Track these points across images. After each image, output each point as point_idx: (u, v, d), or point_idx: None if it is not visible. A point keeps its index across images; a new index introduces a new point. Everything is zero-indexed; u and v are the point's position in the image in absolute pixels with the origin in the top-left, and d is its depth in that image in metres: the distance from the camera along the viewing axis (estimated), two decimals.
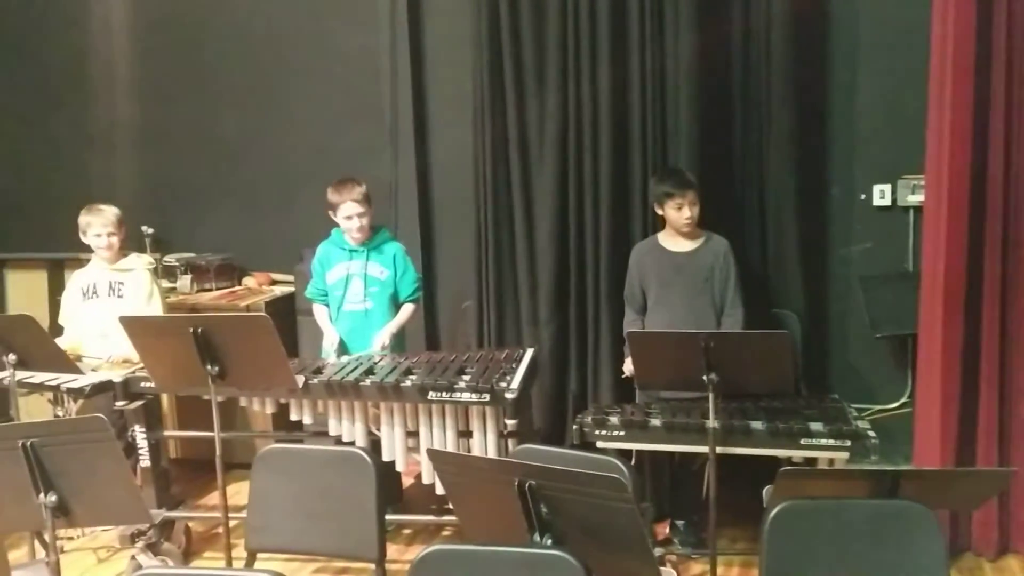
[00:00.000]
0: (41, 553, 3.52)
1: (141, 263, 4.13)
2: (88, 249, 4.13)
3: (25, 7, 5.27)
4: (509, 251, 4.26)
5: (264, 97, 4.98)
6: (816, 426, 3.26)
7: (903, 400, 4.04)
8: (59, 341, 3.90)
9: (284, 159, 4.98)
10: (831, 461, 3.23)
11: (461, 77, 4.37)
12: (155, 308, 4.08)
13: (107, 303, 4.03)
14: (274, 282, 5.00)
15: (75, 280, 4.18)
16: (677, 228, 3.73)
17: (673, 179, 3.70)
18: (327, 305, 4.02)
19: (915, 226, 3.96)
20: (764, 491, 2.74)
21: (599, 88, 4.00)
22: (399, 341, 4.01)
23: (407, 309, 4.02)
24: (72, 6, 5.20)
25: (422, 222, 4.69)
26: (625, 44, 3.98)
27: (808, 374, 3.93)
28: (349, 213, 3.87)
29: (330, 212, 3.93)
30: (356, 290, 3.95)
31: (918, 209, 3.89)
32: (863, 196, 4.07)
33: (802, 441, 3.23)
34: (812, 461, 3.25)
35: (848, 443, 3.19)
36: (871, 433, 3.21)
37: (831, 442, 3.20)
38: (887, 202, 4.03)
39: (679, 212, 3.68)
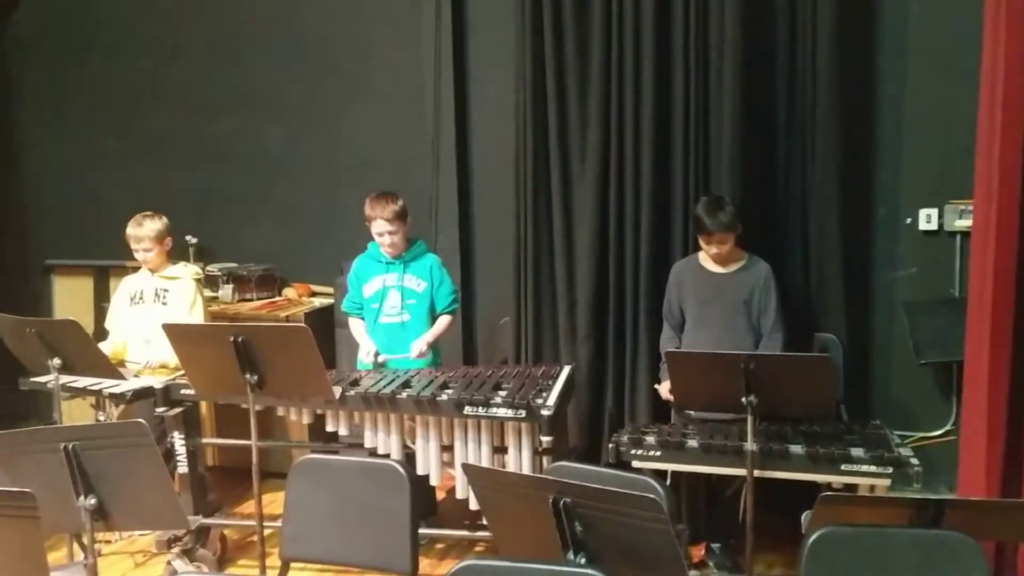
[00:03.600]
0: (80, 555, 3.57)
1: (188, 272, 4.20)
2: (134, 257, 4.20)
3: (83, 20, 5.39)
4: (548, 267, 4.26)
5: (308, 110, 5.04)
6: (857, 452, 3.20)
7: (947, 428, 3.96)
8: (103, 344, 3.98)
9: (327, 172, 5.04)
10: (872, 488, 3.17)
11: (504, 92, 4.40)
12: (197, 317, 4.13)
13: (152, 310, 4.10)
14: (314, 293, 5.04)
15: (125, 285, 4.26)
16: (709, 257, 3.71)
17: (709, 215, 3.59)
18: (363, 319, 4.03)
19: (962, 252, 3.90)
20: (803, 516, 2.70)
21: (642, 105, 4.00)
22: (435, 354, 4.01)
23: (444, 320, 4.02)
24: (126, 21, 5.31)
25: (462, 236, 4.71)
26: (669, 60, 3.98)
27: (850, 399, 3.87)
28: (380, 231, 3.90)
29: (366, 223, 3.96)
30: (393, 302, 3.96)
31: (965, 234, 3.82)
32: (909, 220, 4.02)
33: (842, 467, 3.17)
34: (852, 487, 3.19)
35: (890, 470, 3.13)
36: (914, 460, 3.14)
37: (872, 468, 3.15)
38: (933, 227, 3.97)
39: (707, 246, 3.66)
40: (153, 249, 4.10)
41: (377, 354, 3.88)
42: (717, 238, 3.61)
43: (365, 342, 3.96)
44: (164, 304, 4.11)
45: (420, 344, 3.88)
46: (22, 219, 5.58)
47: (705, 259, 3.76)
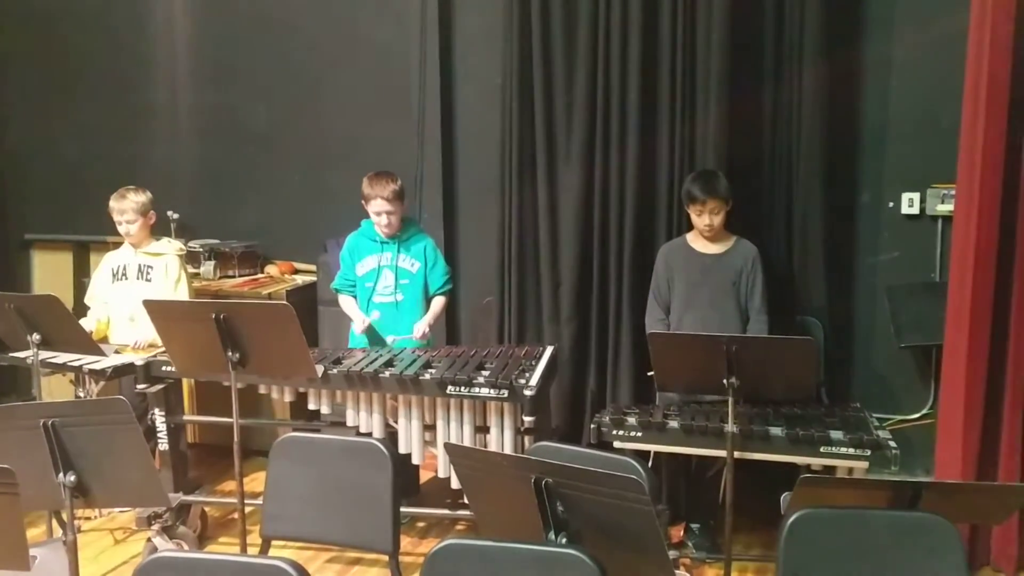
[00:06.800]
0: (59, 532, 3.53)
1: (171, 248, 4.17)
2: (116, 232, 4.17)
3: None
4: (532, 247, 4.26)
5: (294, 87, 5.00)
6: (836, 434, 3.23)
7: (925, 411, 4.00)
8: (85, 321, 3.95)
9: (311, 150, 5.00)
10: (851, 470, 3.20)
11: (490, 72, 4.38)
12: (182, 294, 4.11)
13: (135, 286, 4.07)
14: (296, 271, 5.02)
15: (106, 261, 4.23)
16: (699, 231, 3.71)
17: (700, 183, 3.65)
18: (355, 296, 4.02)
19: (943, 236, 3.92)
20: (781, 498, 2.72)
21: (628, 88, 3.99)
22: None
23: (439, 302, 4.03)
24: None
25: (446, 216, 4.69)
26: (656, 42, 3.97)
27: (830, 382, 3.91)
28: (378, 210, 3.88)
29: (363, 202, 3.94)
30: (387, 282, 3.96)
31: (947, 219, 3.85)
32: (891, 204, 4.04)
33: (822, 449, 3.20)
34: (831, 469, 3.22)
35: (868, 452, 3.16)
36: (892, 443, 3.17)
37: (851, 451, 3.18)
38: (915, 211, 3.99)
39: (699, 217, 3.67)
40: (136, 221, 4.07)
41: (368, 329, 3.87)
42: (710, 206, 3.61)
43: (357, 315, 3.94)
44: (148, 280, 4.09)
45: (422, 326, 3.89)
46: (1, 193, 5.51)
47: (694, 240, 3.76)
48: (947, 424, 3.50)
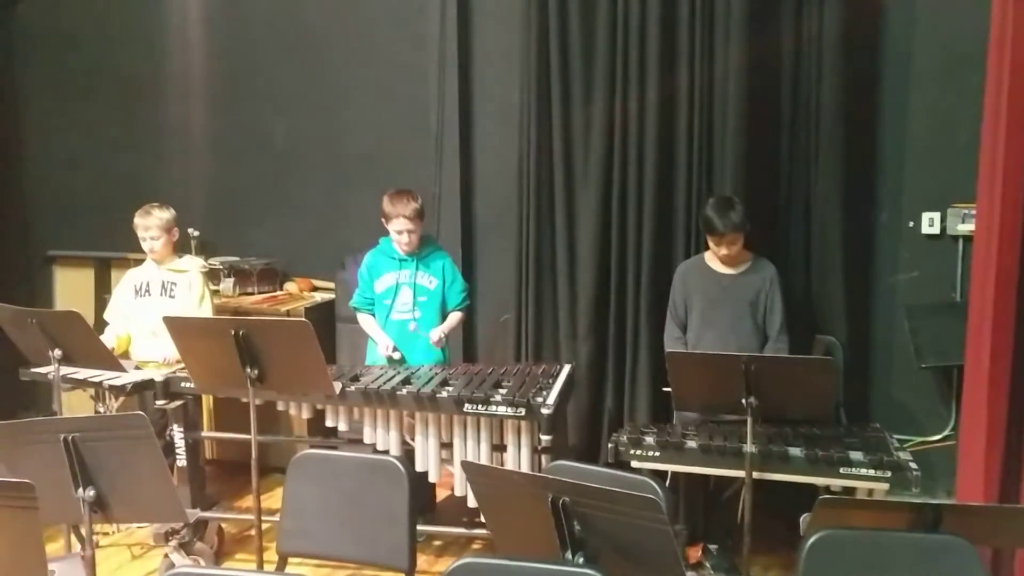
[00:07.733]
0: (77, 547, 3.56)
1: (195, 265, 4.20)
2: (140, 249, 4.20)
3: (86, 12, 5.38)
4: (550, 265, 4.26)
5: (313, 106, 5.04)
6: (856, 455, 3.20)
7: (946, 433, 3.96)
8: (105, 336, 3.98)
9: (330, 167, 5.03)
10: (870, 492, 3.17)
11: (508, 91, 4.39)
12: (206, 311, 4.13)
13: (159, 302, 4.10)
14: (315, 288, 5.04)
15: (129, 277, 4.25)
16: (717, 258, 3.71)
17: (718, 215, 3.59)
18: (374, 314, 4.04)
19: (964, 256, 3.89)
20: (801, 519, 2.70)
21: (646, 106, 4.00)
22: (445, 352, 4.02)
23: (456, 315, 4.04)
24: (130, 13, 5.31)
25: (464, 234, 4.71)
26: (673, 62, 3.97)
27: (849, 402, 3.87)
28: (399, 228, 3.90)
29: (383, 220, 3.96)
30: (405, 299, 3.97)
31: (968, 238, 3.82)
32: (911, 223, 4.01)
33: (841, 470, 3.17)
34: (851, 491, 3.19)
35: (889, 474, 3.13)
36: (913, 465, 3.15)
37: (871, 472, 3.15)
38: (936, 230, 3.96)
39: (716, 247, 3.66)
40: (160, 238, 4.10)
41: (395, 349, 3.89)
42: (728, 239, 3.60)
43: (381, 337, 3.95)
44: (171, 297, 4.11)
45: (438, 332, 3.90)
46: (24, 209, 5.57)
47: (711, 259, 3.76)
48: (968, 446, 3.46)
